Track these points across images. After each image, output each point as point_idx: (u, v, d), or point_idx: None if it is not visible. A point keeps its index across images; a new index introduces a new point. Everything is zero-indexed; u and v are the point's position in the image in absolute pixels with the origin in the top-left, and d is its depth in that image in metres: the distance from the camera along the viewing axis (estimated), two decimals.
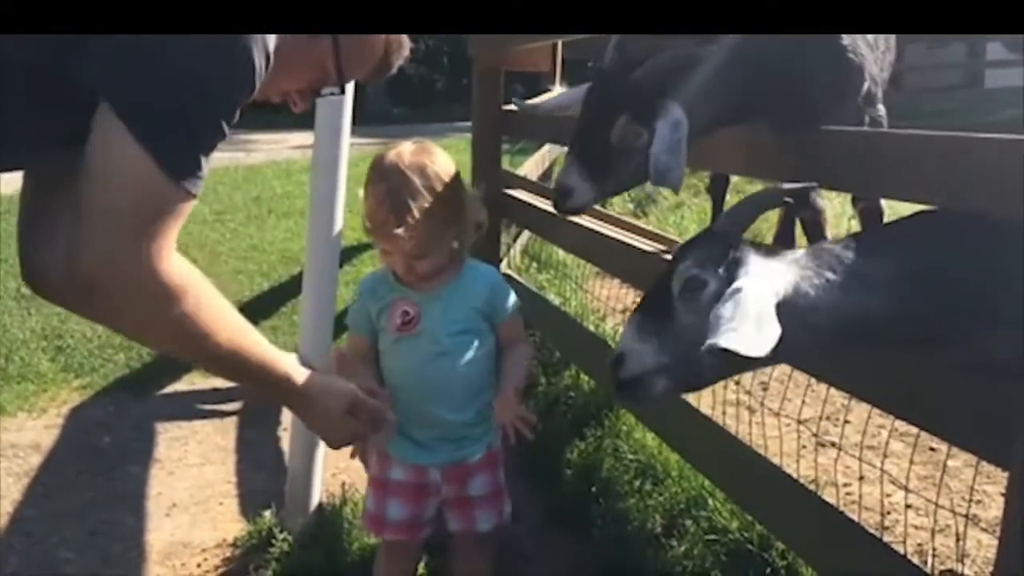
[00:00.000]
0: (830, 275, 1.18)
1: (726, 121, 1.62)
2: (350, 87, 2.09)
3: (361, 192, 1.66)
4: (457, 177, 1.69)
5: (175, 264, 1.03)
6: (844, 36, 1.67)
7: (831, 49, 1.67)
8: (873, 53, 1.79)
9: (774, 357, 1.12)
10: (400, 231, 1.59)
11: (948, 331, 1.23)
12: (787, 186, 1.33)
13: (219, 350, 1.13)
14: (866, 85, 1.79)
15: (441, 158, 1.68)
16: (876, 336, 1.22)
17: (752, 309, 1.07)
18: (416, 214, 1.59)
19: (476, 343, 1.73)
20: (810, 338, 1.17)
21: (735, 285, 1.13)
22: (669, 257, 1.34)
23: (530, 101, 4.51)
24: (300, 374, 1.30)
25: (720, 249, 1.20)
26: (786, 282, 1.17)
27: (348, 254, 4.99)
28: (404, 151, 1.66)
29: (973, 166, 1.17)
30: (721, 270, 1.18)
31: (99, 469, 2.81)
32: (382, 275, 1.78)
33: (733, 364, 1.15)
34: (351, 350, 1.81)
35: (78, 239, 0.99)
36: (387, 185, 1.61)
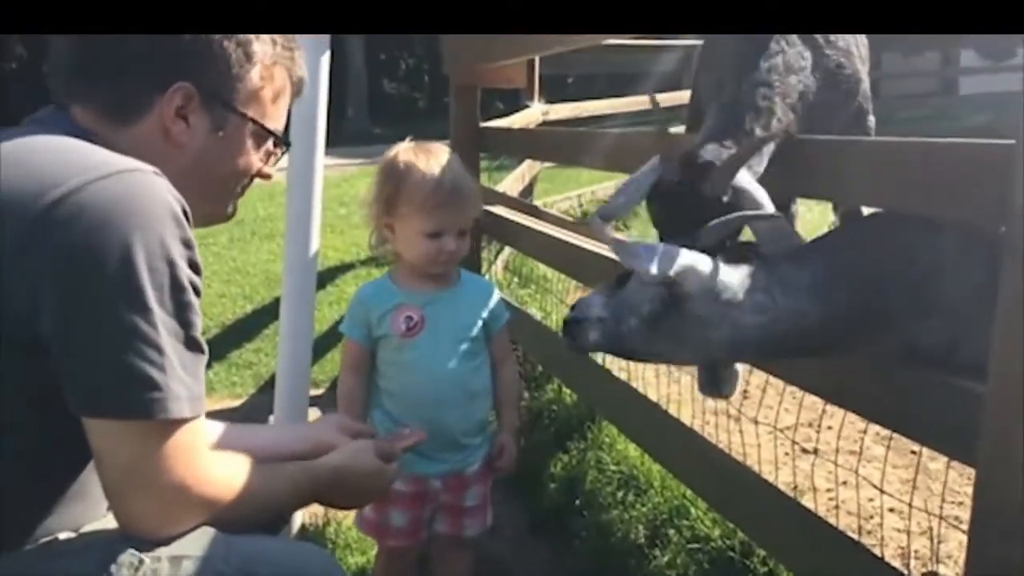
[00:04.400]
0: (770, 297, 1.25)
1: None
2: (323, 106, 2.11)
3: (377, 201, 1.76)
4: None
5: (204, 484, 1.05)
6: (847, 66, 1.71)
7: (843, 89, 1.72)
8: (864, 66, 1.82)
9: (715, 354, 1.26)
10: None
11: (877, 328, 1.29)
12: (750, 214, 1.36)
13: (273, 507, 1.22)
14: (856, 103, 1.84)
15: None
16: (808, 341, 1.28)
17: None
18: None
19: (478, 350, 1.79)
20: (750, 348, 1.28)
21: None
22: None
23: (508, 118, 4.55)
24: (321, 468, 1.28)
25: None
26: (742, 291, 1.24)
27: (330, 274, 4.98)
28: None
29: (940, 171, 1.19)
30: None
31: None
32: (382, 282, 1.83)
33: (655, 340, 1.24)
34: (349, 359, 1.83)
35: (125, 517, 1.03)
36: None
